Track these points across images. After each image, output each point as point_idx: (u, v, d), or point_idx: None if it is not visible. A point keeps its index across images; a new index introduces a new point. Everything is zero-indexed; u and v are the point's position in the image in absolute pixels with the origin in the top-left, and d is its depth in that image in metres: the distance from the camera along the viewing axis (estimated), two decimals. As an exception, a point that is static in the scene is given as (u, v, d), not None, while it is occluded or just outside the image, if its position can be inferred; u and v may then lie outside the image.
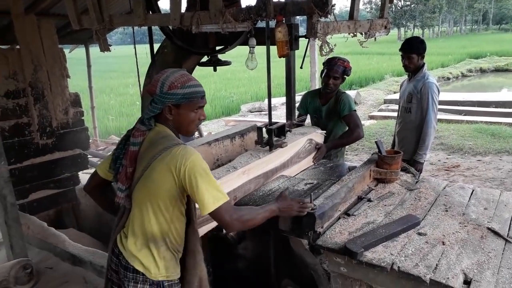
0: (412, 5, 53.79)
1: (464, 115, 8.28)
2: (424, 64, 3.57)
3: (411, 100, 3.57)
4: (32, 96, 4.36)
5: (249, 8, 1.92)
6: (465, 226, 2.20)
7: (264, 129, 2.64)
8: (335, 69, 3.28)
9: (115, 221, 1.94)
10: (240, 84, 19.24)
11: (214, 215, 1.73)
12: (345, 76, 3.37)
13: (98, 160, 6.13)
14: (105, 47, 2.61)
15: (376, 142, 2.83)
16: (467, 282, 1.76)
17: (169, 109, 1.78)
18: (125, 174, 1.79)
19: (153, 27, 2.92)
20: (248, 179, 2.49)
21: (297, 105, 3.66)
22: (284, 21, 1.92)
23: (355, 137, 3.39)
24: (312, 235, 2.13)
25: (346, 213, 2.35)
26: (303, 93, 4.02)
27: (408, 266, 1.84)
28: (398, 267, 1.84)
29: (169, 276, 1.83)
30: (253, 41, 2.31)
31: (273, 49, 2.17)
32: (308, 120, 3.69)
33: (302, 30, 2.65)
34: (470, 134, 6.93)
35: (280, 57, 2.02)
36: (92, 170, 5.68)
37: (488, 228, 2.16)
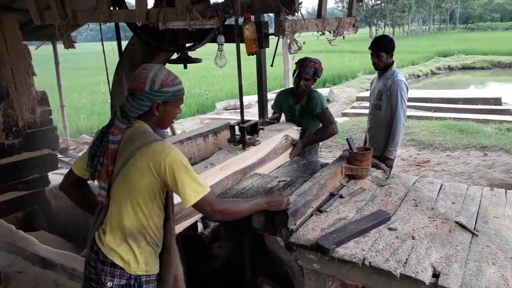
0: (383, 4, 54.77)
1: (434, 111, 8.50)
2: (393, 62, 3.62)
3: (381, 98, 3.62)
4: (-4, 94, 4.20)
5: (216, 5, 1.90)
6: (434, 220, 2.25)
7: (236, 127, 2.63)
8: (306, 70, 3.32)
9: (93, 218, 1.92)
10: (215, 81, 19.13)
11: (196, 207, 1.75)
12: (316, 77, 3.42)
13: (70, 159, 5.95)
14: (69, 44, 2.53)
15: (347, 139, 2.86)
16: (436, 275, 1.80)
17: (157, 106, 1.78)
18: (106, 172, 1.76)
19: (121, 23, 2.86)
20: (226, 175, 2.51)
21: (271, 103, 3.67)
22: (252, 19, 1.91)
23: (330, 133, 3.46)
24: (285, 233, 2.13)
25: (319, 210, 2.36)
26: (277, 90, 4.06)
27: (379, 261, 1.87)
28: (369, 262, 1.87)
29: (148, 270, 1.83)
30: (221, 38, 2.29)
31: (243, 46, 2.16)
32: (282, 118, 3.71)
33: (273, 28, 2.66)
34: (439, 130, 7.12)
35: (249, 54, 2.01)
36: (62, 171, 5.54)
37: (456, 222, 2.22)
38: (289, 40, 1.84)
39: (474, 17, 65.32)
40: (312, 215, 2.33)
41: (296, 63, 3.41)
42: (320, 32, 2.18)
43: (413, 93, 12.15)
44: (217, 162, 2.47)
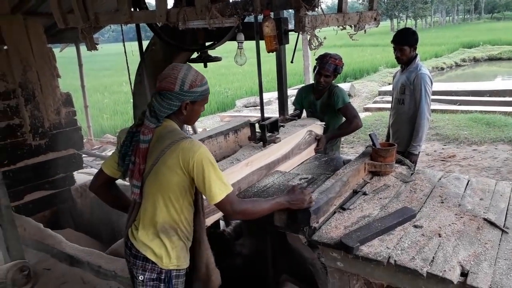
0: (405, -4, 53.69)
1: (459, 104, 8.27)
2: (416, 55, 3.54)
3: (404, 92, 3.55)
4: (23, 97, 4.31)
5: (235, 3, 1.89)
6: (461, 217, 2.19)
7: (257, 125, 2.62)
8: (326, 67, 3.30)
9: (127, 216, 1.98)
10: (235, 79, 19.17)
11: (219, 205, 1.79)
12: (336, 73, 3.40)
13: (93, 159, 6.08)
14: (92, 46, 2.57)
15: (370, 135, 2.81)
16: (464, 274, 1.75)
17: (185, 106, 1.83)
18: (138, 171, 1.81)
19: (141, 24, 2.89)
20: (251, 170, 2.55)
21: (292, 99, 3.66)
22: (271, 16, 1.89)
23: (354, 127, 3.43)
24: (307, 231, 2.12)
25: (342, 207, 2.33)
26: (298, 87, 4.06)
27: (405, 259, 1.83)
28: (395, 260, 1.83)
29: (179, 265, 1.90)
30: (241, 36, 2.28)
31: (263, 43, 2.15)
32: (304, 114, 3.69)
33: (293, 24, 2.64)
34: (465, 123, 6.93)
35: (268, 52, 2.00)
36: (87, 170, 5.66)
37: (484, 219, 2.15)
38: (309, 36, 1.81)
39: (500, 6, 63.26)
40: (334, 212, 2.30)
41: (316, 59, 3.39)
42: (341, 27, 2.14)
43: (437, 86, 11.87)
44: (243, 158, 2.50)
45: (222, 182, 1.78)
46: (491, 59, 22.78)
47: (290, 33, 2.64)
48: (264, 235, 2.86)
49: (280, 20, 2.52)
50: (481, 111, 7.53)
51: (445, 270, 1.74)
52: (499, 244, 1.93)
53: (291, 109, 3.53)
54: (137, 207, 1.92)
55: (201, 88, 1.84)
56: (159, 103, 1.80)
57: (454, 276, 1.71)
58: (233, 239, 3.26)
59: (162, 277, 1.86)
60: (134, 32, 3.09)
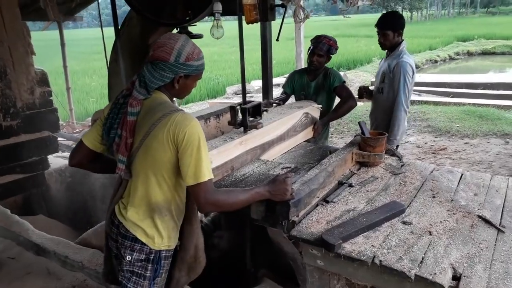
0: (400, -13, 53.27)
1: (452, 97, 8.11)
2: (402, 41, 3.26)
3: (384, 80, 3.27)
4: (-8, 74, 4.03)
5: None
6: (453, 214, 2.01)
7: (238, 109, 2.41)
8: (320, 46, 3.25)
9: (112, 191, 1.87)
10: (227, 66, 18.82)
11: (193, 189, 1.65)
12: (330, 54, 3.34)
13: (73, 143, 5.81)
14: (54, 15, 2.33)
15: (359, 123, 2.62)
16: (456, 278, 1.58)
17: (178, 79, 1.71)
18: (125, 145, 1.68)
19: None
20: (245, 150, 2.45)
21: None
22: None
23: (349, 106, 3.34)
24: (286, 225, 1.93)
25: (325, 200, 2.15)
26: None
27: (391, 259, 1.65)
28: (380, 260, 1.65)
29: (170, 245, 1.81)
30: (218, 6, 2.05)
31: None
32: (291, 100, 3.50)
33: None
34: (457, 116, 6.77)
35: (248, 23, 1.79)
36: (65, 154, 5.41)
37: (479, 216, 1.98)
38: (295, 7, 1.59)
39: (496, 0, 63.13)
40: (317, 205, 2.11)
41: (311, 40, 3.34)
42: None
43: (430, 77, 11.74)
44: (237, 137, 2.39)
45: (206, 165, 1.63)
46: (485, 53, 22.68)
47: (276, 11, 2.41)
48: (243, 227, 2.68)
49: (265, -6, 2.29)
50: (474, 104, 7.37)
51: (435, 273, 1.57)
52: (495, 245, 1.77)
53: (277, 93, 3.33)
54: (124, 183, 1.80)
55: (197, 62, 1.72)
56: (151, 73, 1.67)
57: (445, 280, 1.54)
58: (210, 230, 3.07)
59: (151, 258, 1.76)
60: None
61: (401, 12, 53.68)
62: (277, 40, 2.57)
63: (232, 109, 2.41)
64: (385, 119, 3.29)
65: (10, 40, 4.15)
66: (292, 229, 1.92)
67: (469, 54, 22.56)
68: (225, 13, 2.36)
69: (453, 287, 1.54)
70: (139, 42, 2.98)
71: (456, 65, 20.39)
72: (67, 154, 5.39)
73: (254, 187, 1.87)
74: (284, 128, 2.81)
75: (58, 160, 4.96)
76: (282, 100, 3.20)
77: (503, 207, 2.08)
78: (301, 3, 1.56)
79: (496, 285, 1.51)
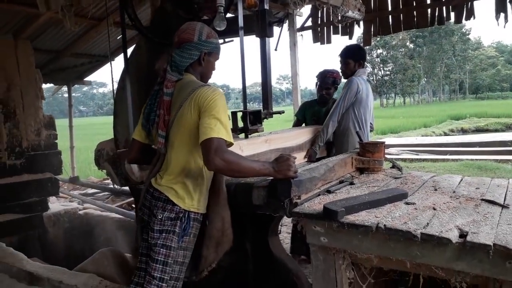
0: (392, 75, 56.46)
1: (450, 155, 8.24)
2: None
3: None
4: (3, 113, 4.18)
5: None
6: (456, 198, 2.00)
7: (239, 114, 2.50)
8: (326, 81, 3.68)
9: (150, 167, 2.06)
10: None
11: (206, 143, 1.72)
12: (336, 85, 3.74)
13: (73, 188, 5.77)
14: (71, 25, 2.52)
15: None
16: (463, 236, 1.54)
17: (203, 56, 1.94)
18: (163, 121, 1.89)
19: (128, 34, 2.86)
20: (269, 148, 2.65)
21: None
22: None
23: None
24: (288, 206, 1.91)
25: (327, 191, 2.14)
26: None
27: (396, 224, 1.62)
28: (385, 225, 1.62)
29: (199, 209, 1.93)
30: (221, 0, 2.25)
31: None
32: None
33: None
34: (457, 168, 6.81)
35: (248, 7, 1.96)
36: (65, 203, 5.37)
37: (482, 199, 1.97)
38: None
39: (484, 87, 66.26)
40: (319, 195, 2.10)
41: (316, 77, 3.77)
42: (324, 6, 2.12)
43: (427, 139, 11.99)
44: (263, 134, 2.68)
45: (223, 126, 1.77)
46: (478, 130, 23.28)
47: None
48: (244, 245, 2.61)
49: (264, 12, 2.51)
50: (472, 159, 7.48)
51: (441, 232, 1.53)
52: (500, 215, 1.74)
53: (275, 105, 3.46)
54: (161, 158, 1.97)
55: (215, 40, 1.97)
56: (180, 55, 1.91)
57: (453, 235, 1.50)
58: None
59: (181, 216, 1.88)
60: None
61: (394, 97, 56.10)
62: (275, 49, 2.77)
63: (234, 114, 2.50)
64: (341, 140, 3.37)
65: (23, 84, 4.38)
66: (294, 209, 1.89)
67: (463, 131, 23.17)
68: (230, 34, 2.59)
69: (461, 243, 1.50)
70: (146, 68, 3.16)
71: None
72: (66, 203, 5.37)
73: (262, 161, 1.97)
74: (302, 139, 3.13)
75: (55, 206, 4.92)
76: (280, 112, 3.31)
77: (506, 194, 2.07)
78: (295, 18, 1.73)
79: (505, 237, 1.47)
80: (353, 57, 3.40)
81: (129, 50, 3.39)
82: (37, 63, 5.11)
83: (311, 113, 3.83)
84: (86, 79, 7.57)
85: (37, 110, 4.47)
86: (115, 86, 3.46)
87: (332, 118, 3.26)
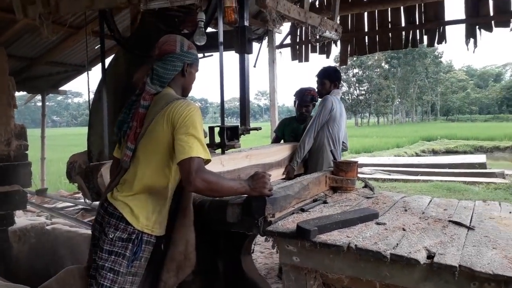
0: (367, 94, 57.76)
1: (421, 175, 8.46)
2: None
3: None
4: (-29, 121, 4.05)
5: (197, -22, 1.91)
6: (425, 219, 2.06)
7: (216, 130, 2.51)
8: (305, 99, 3.78)
9: (109, 182, 1.98)
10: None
11: (183, 164, 1.68)
12: (314, 102, 3.83)
13: (42, 200, 5.59)
14: (48, 32, 2.49)
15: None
16: (430, 257, 1.58)
17: (186, 67, 1.92)
18: (134, 134, 1.83)
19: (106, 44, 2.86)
20: (250, 164, 2.68)
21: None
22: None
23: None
24: (262, 225, 1.91)
25: (301, 209, 2.16)
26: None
27: (367, 244, 1.65)
28: (356, 245, 1.65)
29: (153, 231, 1.83)
30: (202, 15, 2.28)
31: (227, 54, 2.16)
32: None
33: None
34: (427, 189, 7.00)
35: (228, 22, 1.99)
36: (33, 217, 5.19)
37: (450, 221, 2.03)
38: (270, 14, 1.81)
39: (454, 109, 68.68)
40: (293, 213, 2.12)
41: (294, 95, 3.87)
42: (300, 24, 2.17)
43: (399, 160, 12.27)
44: (244, 150, 2.72)
45: (199, 144, 1.72)
46: (448, 151, 23.99)
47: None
48: (215, 263, 2.59)
49: (244, 28, 2.55)
50: (441, 181, 7.69)
51: (410, 252, 1.57)
52: (466, 237, 1.80)
53: (253, 120, 3.49)
54: (122, 172, 1.88)
55: (195, 51, 1.97)
56: (163, 67, 1.86)
57: (420, 257, 1.54)
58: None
59: (133, 238, 1.77)
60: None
61: (368, 116, 57.26)
62: (254, 66, 2.81)
63: (211, 129, 2.51)
64: (316, 156, 3.47)
65: (-6, 91, 4.26)
66: (268, 227, 1.90)
67: (434, 152, 23.82)
68: (209, 49, 2.61)
69: (428, 264, 1.54)
70: (125, 78, 3.15)
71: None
72: (34, 218, 5.19)
73: (238, 179, 1.95)
74: (281, 156, 3.21)
75: (22, 220, 4.75)
76: (257, 129, 3.36)
77: (472, 216, 2.14)
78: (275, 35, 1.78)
79: (469, 258, 1.52)
80: (329, 78, 3.59)
81: (107, 61, 3.38)
82: (10, 70, 4.99)
83: (289, 130, 3.91)
84: (61, 88, 7.42)
85: (8, 119, 4.35)
86: (91, 96, 3.43)
87: (308, 135, 3.39)
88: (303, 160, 3.49)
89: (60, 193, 7.95)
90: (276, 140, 4.05)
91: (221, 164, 2.37)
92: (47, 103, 7.35)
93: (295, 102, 3.87)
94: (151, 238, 1.82)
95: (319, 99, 3.66)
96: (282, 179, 3.26)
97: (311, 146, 3.43)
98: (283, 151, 3.29)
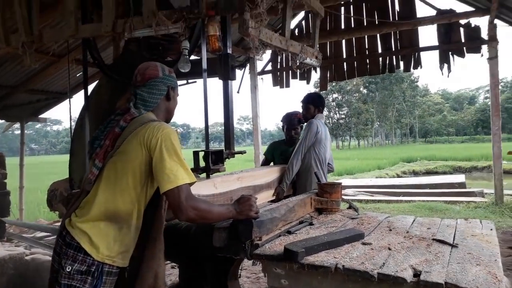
0: (347, 118, 58.73)
1: (402, 196, 8.58)
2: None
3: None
4: None
5: (181, 7, 1.95)
6: (410, 238, 2.09)
7: (200, 154, 2.51)
8: (292, 122, 3.92)
9: (69, 206, 1.85)
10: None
11: (169, 194, 1.64)
12: (301, 124, 3.95)
13: (20, 231, 5.44)
14: (31, 62, 2.48)
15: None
16: (416, 275, 1.60)
17: (170, 92, 1.91)
18: (104, 152, 1.77)
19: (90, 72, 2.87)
20: (241, 186, 2.71)
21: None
22: (215, 17, 1.96)
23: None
24: (249, 248, 1.91)
25: (287, 231, 2.17)
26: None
27: (354, 264, 1.67)
28: (343, 265, 1.66)
29: (115, 261, 1.70)
30: (186, 43, 2.31)
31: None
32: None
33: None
34: (409, 209, 7.08)
35: (212, 50, 2.03)
36: (10, 248, 5.00)
37: (434, 239, 2.06)
38: (252, 42, 1.86)
39: (432, 131, 70.31)
40: (280, 235, 2.12)
41: (281, 120, 4.02)
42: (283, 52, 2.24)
43: (381, 181, 12.41)
44: (235, 173, 2.81)
45: (183, 168, 1.67)
46: (428, 172, 24.37)
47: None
48: (201, 284, 2.55)
49: (227, 56, 2.60)
50: (423, 201, 7.81)
51: (397, 271, 1.59)
52: (450, 254, 1.83)
53: (236, 145, 3.52)
54: (83, 196, 1.78)
55: (174, 75, 1.97)
56: (149, 92, 1.85)
57: (407, 275, 1.56)
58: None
59: (92, 270, 1.65)
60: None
61: (349, 139, 57.98)
62: (237, 92, 2.85)
63: (196, 154, 2.51)
64: (304, 176, 3.54)
65: (-27, 120, 4.18)
66: (255, 250, 1.90)
67: (415, 173, 24.18)
68: (192, 76, 2.65)
69: (415, 282, 1.56)
70: (108, 105, 3.14)
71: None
72: (12, 248, 5.01)
73: (225, 204, 1.92)
74: (271, 177, 3.27)
75: (1, 251, 4.58)
76: (264, 165, 3.45)
77: (455, 234, 2.18)
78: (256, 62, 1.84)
79: (455, 276, 1.55)
80: (313, 103, 3.72)
81: (90, 88, 3.38)
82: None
83: (279, 152, 4.01)
84: (41, 116, 7.35)
85: (-14, 147, 4.25)
86: (73, 124, 3.40)
87: (296, 157, 3.48)
88: (292, 182, 3.55)
89: (39, 222, 7.72)
90: (265, 163, 4.13)
91: (214, 187, 2.38)
92: (25, 131, 7.22)
93: (283, 127, 3.99)
94: (112, 268, 1.71)
95: (305, 123, 3.76)
96: (271, 200, 3.28)
97: (299, 168, 3.51)
98: (272, 173, 3.36)
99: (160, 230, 1.83)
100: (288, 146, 3.96)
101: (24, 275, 4.59)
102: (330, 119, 57.51)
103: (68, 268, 1.64)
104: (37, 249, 5.25)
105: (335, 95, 57.81)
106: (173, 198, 1.63)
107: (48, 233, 6.13)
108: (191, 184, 1.71)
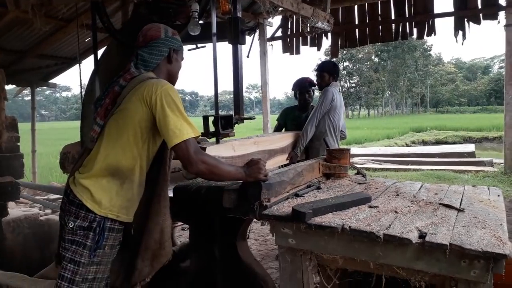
0: (357, 87, 58.04)
1: (411, 165, 8.59)
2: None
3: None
4: (-38, 114, 4.03)
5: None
6: (417, 203, 2.11)
7: (210, 119, 2.53)
8: (304, 85, 3.96)
9: (73, 166, 1.90)
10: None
11: (178, 149, 1.67)
12: (313, 86, 3.97)
13: (34, 193, 5.59)
14: (41, 24, 2.48)
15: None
16: (422, 237, 1.63)
17: (172, 53, 1.89)
18: (105, 110, 1.80)
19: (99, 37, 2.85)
20: (257, 149, 2.77)
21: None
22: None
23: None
24: (258, 209, 1.95)
25: (295, 194, 2.20)
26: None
27: (360, 226, 1.70)
28: (349, 226, 1.69)
29: (118, 216, 1.74)
30: (195, 5, 2.29)
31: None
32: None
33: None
34: (417, 178, 7.10)
35: (223, 13, 2.01)
36: (26, 208, 5.17)
37: (440, 204, 2.09)
38: (263, 4, 1.83)
39: (443, 101, 69.27)
40: (287, 198, 2.16)
41: (292, 89, 4.05)
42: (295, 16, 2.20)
43: (390, 150, 12.41)
44: (252, 137, 2.88)
45: (187, 123, 1.69)
46: (438, 142, 24.23)
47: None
48: (212, 250, 2.63)
49: (237, 19, 2.56)
50: (431, 169, 7.82)
51: (402, 232, 1.62)
52: (456, 218, 1.85)
53: (246, 114, 3.55)
54: (86, 153, 1.82)
55: (179, 38, 1.95)
56: (149, 52, 1.84)
57: (413, 236, 1.59)
58: (178, 259, 2.97)
59: (94, 226, 1.68)
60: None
61: (359, 109, 57.61)
62: (247, 56, 2.83)
63: (205, 119, 2.53)
64: (319, 142, 3.58)
65: (-16, 83, 4.23)
66: (264, 211, 1.94)
67: (424, 142, 24.05)
68: (203, 40, 2.62)
69: (420, 244, 1.59)
70: (116, 71, 3.14)
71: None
72: (27, 209, 5.18)
73: (234, 165, 1.95)
74: (285, 143, 3.34)
75: (15, 211, 4.74)
76: (251, 118, 3.42)
77: (461, 199, 2.20)
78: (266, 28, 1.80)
79: (460, 237, 1.57)
80: (328, 71, 3.72)
81: (99, 52, 3.38)
82: (0, 63, 4.97)
83: (291, 118, 4.05)
84: (51, 81, 7.37)
85: (-1, 111, 4.32)
86: (83, 88, 3.42)
87: (310, 123, 3.52)
88: (305, 148, 3.61)
89: (52, 185, 7.91)
90: (278, 128, 4.16)
91: (232, 149, 2.43)
92: (35, 97, 7.28)
93: (295, 93, 4.02)
94: (115, 224, 1.74)
95: (319, 91, 3.79)
96: (285, 164, 3.33)
97: (313, 134, 3.56)
98: (286, 138, 3.42)
99: (164, 186, 1.88)
100: (301, 112, 3.99)
101: (38, 234, 4.77)
102: (340, 87, 56.85)
103: (71, 224, 1.69)
104: (50, 210, 5.41)
105: (346, 64, 56.95)
106: (182, 152, 1.66)
107: (61, 195, 6.30)
108: (196, 138, 1.73)
